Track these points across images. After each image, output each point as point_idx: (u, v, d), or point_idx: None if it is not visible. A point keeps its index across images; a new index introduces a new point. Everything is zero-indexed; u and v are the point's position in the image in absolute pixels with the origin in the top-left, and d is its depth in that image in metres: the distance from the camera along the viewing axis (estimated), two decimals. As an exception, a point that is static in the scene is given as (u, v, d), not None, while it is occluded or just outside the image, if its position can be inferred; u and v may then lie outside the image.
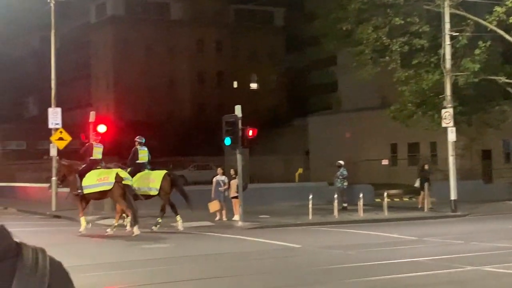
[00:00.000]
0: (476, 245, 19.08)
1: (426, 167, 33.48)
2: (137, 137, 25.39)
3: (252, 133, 27.15)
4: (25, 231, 21.75)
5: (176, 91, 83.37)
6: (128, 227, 23.09)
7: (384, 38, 34.59)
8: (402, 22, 33.93)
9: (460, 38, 32.16)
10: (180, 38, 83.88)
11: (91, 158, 23.28)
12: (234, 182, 27.16)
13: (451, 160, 30.77)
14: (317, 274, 14.66)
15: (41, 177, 33.62)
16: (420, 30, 34.14)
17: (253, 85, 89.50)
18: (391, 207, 30.52)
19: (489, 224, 25.91)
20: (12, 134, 63.00)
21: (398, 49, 34.54)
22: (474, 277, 14.20)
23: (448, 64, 30.81)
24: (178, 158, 41.59)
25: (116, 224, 23.29)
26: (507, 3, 31.71)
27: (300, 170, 43.02)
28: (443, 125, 30.82)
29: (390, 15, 34.34)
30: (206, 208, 27.57)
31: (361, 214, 28.45)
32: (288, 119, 77.96)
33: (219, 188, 27.33)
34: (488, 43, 32.69)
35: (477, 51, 32.75)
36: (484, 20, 32.59)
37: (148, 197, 24.16)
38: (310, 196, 27.31)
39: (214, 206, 27.24)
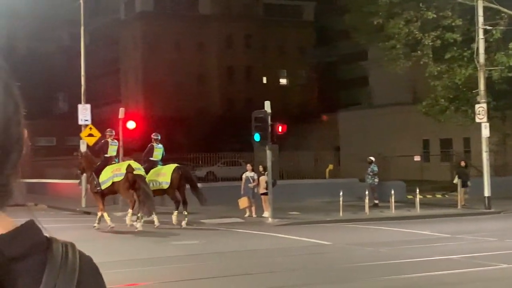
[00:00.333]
0: (510, 242, 18.86)
1: (463, 163, 33.13)
2: (153, 134, 25.56)
3: (282, 129, 27.04)
4: (54, 227, 21.72)
5: (205, 87, 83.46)
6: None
7: (416, 32, 34.19)
8: (435, 16, 33.53)
9: (494, 32, 31.68)
10: (209, 33, 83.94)
11: (106, 155, 23.54)
12: (263, 179, 27.07)
13: (484, 156, 30.35)
14: (348, 271, 14.59)
15: (71, 174, 33.75)
16: (453, 24, 33.70)
17: (283, 80, 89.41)
18: (423, 204, 30.25)
19: (523, 221, 25.58)
20: (42, 131, 63.54)
21: (430, 43, 34.12)
22: (508, 275, 14.05)
23: (481, 58, 30.39)
24: (207, 154, 41.51)
25: (139, 215, 23.12)
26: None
27: (331, 166, 42.78)
28: (477, 120, 30.44)
29: (422, 9, 33.95)
30: (235, 204, 27.53)
31: (392, 211, 28.22)
32: (318, 115, 77.67)
33: (249, 185, 27.25)
34: (523, 36, 32.21)
35: (511, 45, 32.24)
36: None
37: (160, 192, 24.32)
38: (341, 193, 27.11)
39: (243, 202, 27.20)
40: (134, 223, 23.06)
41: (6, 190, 1.26)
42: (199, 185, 35.33)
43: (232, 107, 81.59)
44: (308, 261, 16.18)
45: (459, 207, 30.36)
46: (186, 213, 23.94)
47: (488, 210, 29.35)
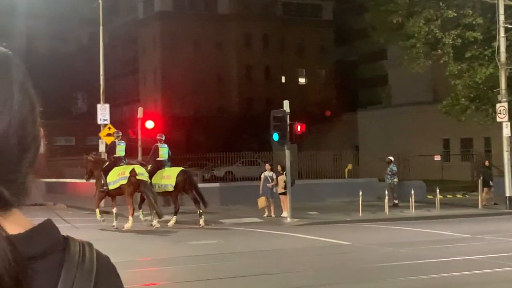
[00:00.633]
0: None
1: (487, 163, 32.95)
2: (158, 134, 25.88)
3: (301, 128, 26.97)
4: (72, 227, 21.91)
5: (224, 86, 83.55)
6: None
7: (436, 31, 33.95)
8: (455, 14, 33.30)
9: (515, 30, 31.38)
10: (228, 33, 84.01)
11: (115, 155, 23.81)
12: (281, 178, 27.03)
13: (506, 155, 30.11)
14: (368, 271, 14.52)
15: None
16: (474, 22, 33.44)
17: (301, 80, 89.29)
18: (443, 204, 30.11)
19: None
20: (61, 130, 63.91)
21: (451, 42, 33.86)
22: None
23: (502, 57, 30.20)
24: (225, 153, 41.55)
25: (153, 213, 23.43)
26: None
27: (350, 166, 42.63)
28: (498, 119, 30.24)
29: (443, 8, 33.73)
30: (254, 204, 27.54)
31: (412, 211, 28.08)
32: (337, 114, 77.53)
33: (267, 184, 27.21)
34: (545, 35, 31.87)
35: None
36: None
37: (166, 194, 24.71)
38: (360, 192, 27.00)
39: (262, 202, 27.17)
40: (153, 222, 23.35)
41: (24, 188, 1.26)
42: (217, 184, 35.58)
43: (251, 106, 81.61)
44: (327, 261, 16.13)
45: (480, 207, 30.11)
46: (200, 211, 24.10)
47: (509, 210, 29.16)
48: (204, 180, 42.61)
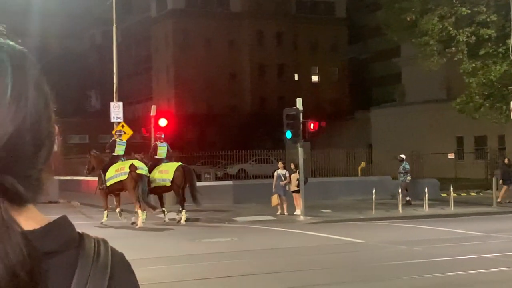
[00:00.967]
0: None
1: (506, 161, 32.86)
2: (157, 132, 26.38)
3: (314, 126, 26.99)
4: (86, 224, 22.21)
5: (237, 84, 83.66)
6: (134, 219, 23.63)
7: (450, 29, 33.84)
8: (469, 11, 33.19)
9: (529, 27, 31.26)
10: (241, 31, 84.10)
11: (113, 154, 24.27)
12: (294, 176, 27.05)
13: (520, 153, 29.94)
14: (382, 269, 14.52)
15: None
16: (488, 19, 33.31)
17: (315, 78, 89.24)
18: (457, 202, 30.01)
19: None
20: (75, 128, 64.16)
21: (465, 40, 33.73)
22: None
23: (516, 54, 30.04)
24: (238, 151, 41.63)
25: (165, 210, 24.46)
26: None
27: (363, 164, 42.58)
28: (512, 117, 30.11)
29: (456, 5, 33.61)
30: (267, 202, 27.61)
31: (426, 209, 28.02)
32: (350, 112, 77.48)
33: (280, 182, 27.22)
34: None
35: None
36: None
37: (165, 189, 24.88)
38: (373, 190, 26.97)
39: (274, 200, 27.22)
40: (166, 219, 24.05)
41: (39, 184, 1.27)
42: (230, 182, 35.65)
43: (264, 104, 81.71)
44: (340, 259, 16.12)
45: (494, 205, 29.99)
46: (183, 209, 24.53)
47: (524, 209, 29.00)
48: (217, 178, 42.72)
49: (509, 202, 30.98)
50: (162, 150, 25.39)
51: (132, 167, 22.98)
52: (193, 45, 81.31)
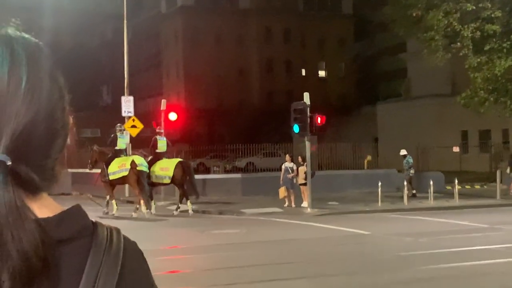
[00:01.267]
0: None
1: None
2: (157, 127, 26.81)
3: (321, 120, 27.14)
4: (98, 216, 22.37)
5: (245, 80, 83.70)
6: (134, 213, 24.15)
7: (455, 24, 34.00)
8: (474, 7, 33.28)
9: (534, 23, 31.39)
10: (249, 27, 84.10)
11: (116, 148, 24.81)
12: (302, 169, 27.24)
13: (524, 147, 30.16)
14: (388, 261, 14.58)
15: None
16: (493, 15, 33.42)
17: (322, 73, 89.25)
18: (462, 195, 30.14)
19: None
20: (87, 122, 64.33)
21: (470, 35, 33.88)
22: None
23: (521, 50, 30.15)
24: (247, 145, 41.82)
25: (180, 205, 25.12)
26: None
27: (369, 157, 42.75)
28: (516, 112, 30.22)
29: (461, 1, 33.70)
30: (275, 194, 27.82)
31: (431, 202, 28.18)
32: (357, 107, 77.51)
33: (288, 175, 27.46)
34: None
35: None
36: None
37: (163, 184, 25.61)
38: (379, 183, 27.19)
39: (282, 192, 27.46)
40: (175, 212, 24.61)
41: (53, 174, 1.29)
42: (238, 175, 35.96)
43: (272, 99, 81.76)
44: (347, 251, 16.19)
45: (498, 197, 30.22)
46: (180, 204, 25.06)
47: (528, 201, 29.19)
48: (226, 171, 42.97)
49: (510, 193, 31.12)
50: (162, 144, 25.87)
51: (133, 164, 23.69)
52: (202, 41, 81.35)
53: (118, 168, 24.13)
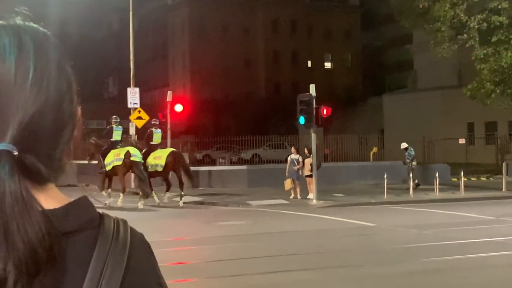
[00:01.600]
0: (556, 225, 18.63)
1: None
2: (152, 120, 27.35)
3: (327, 112, 27.16)
4: (104, 207, 22.43)
5: (251, 71, 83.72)
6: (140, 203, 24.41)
7: (462, 15, 33.91)
8: (480, -2, 33.24)
9: (541, 14, 31.28)
10: (255, 18, 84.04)
11: (112, 140, 25.15)
12: (308, 161, 27.27)
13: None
14: (394, 252, 14.59)
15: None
16: (499, 6, 33.34)
17: (328, 64, 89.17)
18: (468, 187, 30.12)
19: None
20: (93, 114, 64.30)
21: (476, 27, 33.79)
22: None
23: (528, 41, 30.06)
24: (253, 137, 41.86)
25: (182, 194, 25.21)
26: None
27: (375, 149, 42.71)
28: (523, 103, 30.16)
29: (468, -8, 33.65)
30: (280, 186, 27.85)
31: (437, 194, 28.19)
32: (363, 98, 77.46)
33: (293, 167, 27.49)
34: None
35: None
36: None
37: (157, 174, 25.74)
38: (385, 175, 27.20)
39: (288, 184, 27.50)
40: (180, 203, 24.82)
41: (61, 164, 1.29)
42: (244, 167, 36.01)
43: (278, 90, 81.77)
44: (353, 242, 16.22)
45: (504, 189, 30.17)
46: (182, 193, 25.22)
47: (534, 193, 29.14)
48: (232, 163, 43.00)
49: None
50: (157, 136, 26.38)
51: (127, 154, 24.02)
52: (208, 32, 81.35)
53: (113, 157, 24.54)
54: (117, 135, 25.43)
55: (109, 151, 24.71)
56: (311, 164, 26.78)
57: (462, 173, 29.39)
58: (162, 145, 26.93)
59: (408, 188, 28.44)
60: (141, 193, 24.31)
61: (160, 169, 25.46)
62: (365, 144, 43.37)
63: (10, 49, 1.24)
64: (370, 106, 72.36)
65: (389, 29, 77.59)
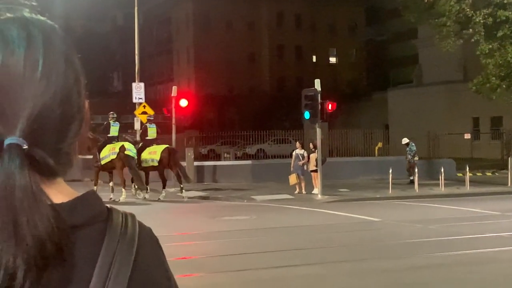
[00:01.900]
0: (562, 220, 18.60)
1: None
2: (148, 115, 27.88)
3: (332, 106, 27.17)
4: (108, 202, 22.48)
5: (256, 66, 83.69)
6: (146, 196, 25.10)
7: (467, 10, 33.85)
8: (486, -7, 33.16)
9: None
10: (260, 13, 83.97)
11: (108, 135, 25.52)
12: (313, 156, 27.29)
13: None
14: (399, 247, 14.60)
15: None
16: (505, 1, 33.27)
17: (332, 59, 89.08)
18: (473, 182, 30.09)
19: None
20: (98, 109, 64.38)
21: (482, 21, 33.72)
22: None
23: (534, 36, 30.00)
24: (257, 132, 41.87)
25: (148, 188, 25.60)
26: None
27: (380, 144, 42.71)
28: (528, 98, 30.11)
29: (474, -14, 33.58)
30: (285, 181, 27.88)
31: (442, 189, 28.16)
32: (367, 93, 77.40)
33: (298, 162, 27.50)
34: None
35: None
36: None
37: (152, 168, 26.05)
38: (390, 170, 27.20)
39: (293, 179, 27.53)
40: (185, 198, 25.16)
41: (69, 158, 1.28)
42: (249, 162, 36.05)
43: (283, 85, 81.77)
44: (358, 237, 16.22)
45: (509, 185, 30.13)
46: (182, 185, 25.70)
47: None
48: (237, 158, 43.04)
49: None
50: (152, 131, 26.69)
51: (122, 148, 24.40)
52: (213, 26, 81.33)
53: (109, 152, 24.92)
54: (114, 131, 25.83)
55: (104, 146, 25.13)
56: (316, 159, 26.79)
57: (467, 168, 29.35)
58: (159, 140, 27.15)
59: (413, 183, 28.39)
60: (136, 187, 24.93)
61: (155, 163, 25.74)
62: (369, 139, 43.37)
63: (19, 41, 1.23)
64: (375, 101, 72.32)
65: (393, 23, 77.44)
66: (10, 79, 1.20)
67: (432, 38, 38.54)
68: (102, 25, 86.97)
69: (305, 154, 27.68)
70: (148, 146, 26.14)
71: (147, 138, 26.51)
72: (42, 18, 1.29)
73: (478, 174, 37.35)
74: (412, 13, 38.51)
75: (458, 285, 11.04)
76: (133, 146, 25.15)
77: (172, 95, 30.86)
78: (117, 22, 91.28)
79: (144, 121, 30.73)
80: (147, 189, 25.77)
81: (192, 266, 12.64)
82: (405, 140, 33.12)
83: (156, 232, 1.36)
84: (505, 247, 14.33)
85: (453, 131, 50.08)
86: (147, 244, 1.29)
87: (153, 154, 25.78)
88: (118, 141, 25.62)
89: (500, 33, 33.83)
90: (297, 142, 29.15)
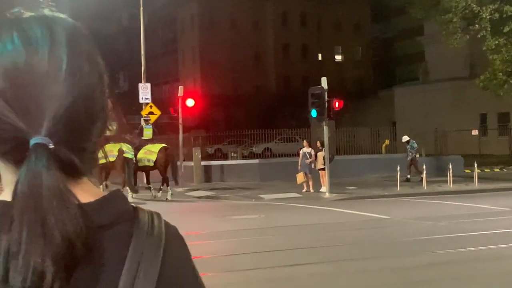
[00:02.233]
0: None
1: None
2: (143, 116, 28.07)
3: (338, 104, 27.12)
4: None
5: (262, 65, 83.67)
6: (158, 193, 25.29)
7: (474, 6, 33.78)
8: (493, -12, 33.08)
9: (554, 4, 31.11)
10: (265, 12, 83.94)
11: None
12: (320, 154, 27.26)
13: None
14: (409, 244, 14.56)
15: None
16: (511, -4, 33.22)
17: (338, 57, 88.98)
18: (481, 178, 30.02)
19: None
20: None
21: (488, 17, 33.65)
22: None
23: (540, 31, 29.92)
24: (264, 130, 41.86)
25: (151, 187, 26.06)
26: None
27: (387, 142, 42.67)
28: (535, 94, 30.04)
29: (480, -18, 33.52)
30: (293, 180, 27.86)
31: (450, 185, 28.13)
32: (374, 91, 77.30)
33: (305, 161, 27.49)
34: None
35: None
36: None
37: (149, 168, 26.10)
38: (398, 167, 27.16)
39: (300, 178, 27.51)
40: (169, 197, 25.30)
41: (93, 157, 1.30)
42: (256, 160, 36.06)
43: (289, 84, 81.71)
44: (367, 235, 16.18)
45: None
46: (162, 187, 25.84)
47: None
48: (243, 157, 43.05)
49: None
50: (148, 132, 26.82)
51: (120, 151, 24.32)
52: (218, 26, 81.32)
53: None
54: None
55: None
56: (324, 157, 26.77)
57: (475, 164, 29.29)
58: (154, 140, 27.18)
59: (421, 180, 28.35)
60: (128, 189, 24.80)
61: (151, 164, 25.77)
62: (377, 137, 43.34)
63: (43, 40, 1.22)
64: (381, 98, 72.22)
65: (399, 20, 77.35)
66: (34, 78, 1.19)
67: (438, 35, 38.51)
68: (108, 26, 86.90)
69: (312, 153, 27.66)
70: (143, 146, 26.16)
71: (143, 138, 26.56)
72: (63, 16, 1.30)
73: (486, 170, 37.25)
74: (418, 9, 38.46)
75: (468, 282, 10.99)
76: (131, 147, 25.05)
77: (179, 95, 30.90)
78: (123, 23, 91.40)
79: (151, 121, 30.92)
80: (150, 189, 25.83)
81: (202, 265, 12.53)
82: (405, 138, 33.05)
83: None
84: (516, 243, 14.25)
85: (461, 128, 50.01)
86: (174, 243, 1.30)
87: (148, 154, 25.78)
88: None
89: (506, 29, 33.77)
90: (304, 141, 29.16)
